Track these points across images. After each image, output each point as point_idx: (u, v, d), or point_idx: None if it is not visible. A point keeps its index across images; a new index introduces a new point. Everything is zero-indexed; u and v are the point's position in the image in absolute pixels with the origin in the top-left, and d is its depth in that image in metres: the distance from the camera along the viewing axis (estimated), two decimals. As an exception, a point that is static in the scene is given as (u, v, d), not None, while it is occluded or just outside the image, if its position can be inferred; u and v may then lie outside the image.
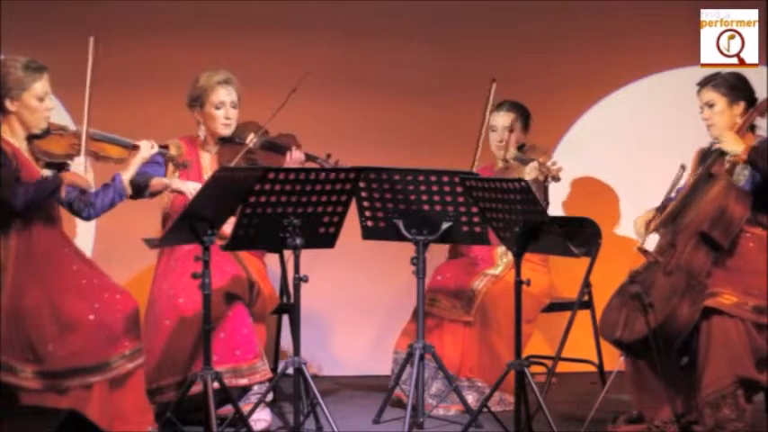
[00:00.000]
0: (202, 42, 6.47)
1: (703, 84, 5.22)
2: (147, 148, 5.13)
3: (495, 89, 5.76)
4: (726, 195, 5.04)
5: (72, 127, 5.03)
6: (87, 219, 5.10)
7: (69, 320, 4.75)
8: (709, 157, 5.23)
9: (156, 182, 5.41)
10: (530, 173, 5.66)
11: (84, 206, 5.02)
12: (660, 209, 5.31)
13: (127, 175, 5.08)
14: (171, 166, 5.49)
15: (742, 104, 5.17)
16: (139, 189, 5.37)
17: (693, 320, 4.95)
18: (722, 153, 5.14)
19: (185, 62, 6.22)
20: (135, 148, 5.11)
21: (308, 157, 5.64)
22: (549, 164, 5.62)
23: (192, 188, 5.34)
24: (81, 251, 5.04)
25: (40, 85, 4.84)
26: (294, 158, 5.59)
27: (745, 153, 5.01)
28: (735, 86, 5.17)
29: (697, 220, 5.06)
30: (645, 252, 5.14)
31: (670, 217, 5.16)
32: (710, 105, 5.18)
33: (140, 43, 6.49)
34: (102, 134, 5.04)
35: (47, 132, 4.92)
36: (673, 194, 5.33)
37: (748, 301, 4.96)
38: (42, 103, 4.86)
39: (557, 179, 5.63)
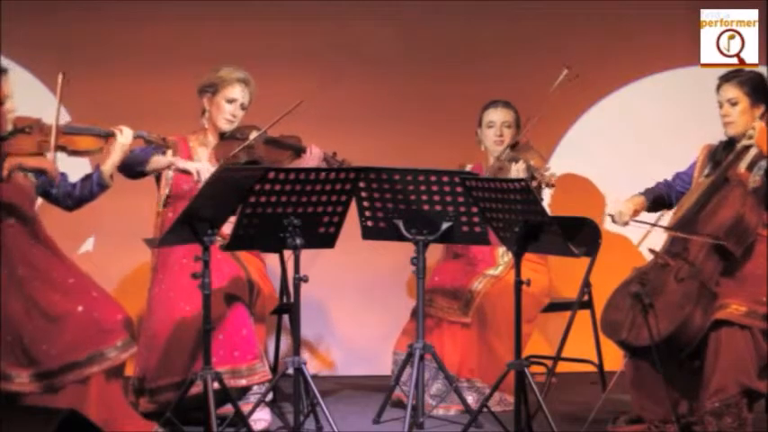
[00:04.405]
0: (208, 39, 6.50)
1: (726, 79, 5.14)
2: (126, 135, 5.05)
3: (565, 74, 5.60)
4: (743, 204, 4.98)
5: (44, 121, 4.90)
6: (68, 209, 5.08)
7: (59, 314, 4.76)
8: (720, 155, 5.18)
9: (158, 159, 5.38)
10: (516, 174, 5.65)
11: (63, 197, 5.01)
12: (647, 194, 5.30)
13: (107, 166, 5.04)
14: (170, 152, 5.48)
15: (762, 107, 5.11)
16: (138, 164, 5.33)
17: (704, 329, 4.92)
18: (737, 156, 5.06)
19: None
20: (111, 135, 5.03)
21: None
22: (542, 170, 5.58)
23: (196, 167, 5.34)
24: (65, 256, 5.01)
25: (2, 87, 4.82)
26: (314, 155, 5.59)
27: None
28: (758, 87, 5.10)
29: (712, 228, 4.99)
30: (655, 253, 5.10)
31: (684, 221, 5.09)
32: (733, 103, 5.11)
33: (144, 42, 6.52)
34: (72, 126, 4.98)
35: (12, 133, 4.86)
36: (670, 178, 5.33)
37: (758, 309, 4.93)
38: (4, 105, 4.83)
39: (550, 185, 5.59)
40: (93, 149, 5.01)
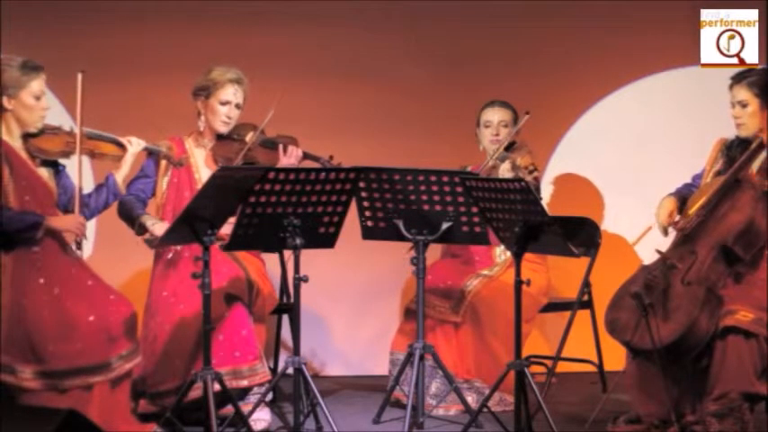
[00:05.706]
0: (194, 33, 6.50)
1: (737, 80, 5.12)
2: (136, 146, 5.16)
3: (525, 120, 5.63)
4: (754, 208, 4.95)
5: (66, 127, 5.04)
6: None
7: (70, 321, 4.76)
8: (734, 151, 5.14)
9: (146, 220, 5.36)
10: (503, 173, 5.64)
11: (80, 208, 5.03)
12: (676, 195, 5.21)
13: (120, 174, 5.13)
14: (162, 167, 5.49)
15: None
16: (129, 219, 5.40)
17: (710, 333, 4.90)
18: (750, 156, 5.02)
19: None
20: (123, 146, 5.14)
21: (309, 157, 5.63)
22: (528, 168, 5.54)
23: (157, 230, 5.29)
24: (78, 255, 5.04)
25: (37, 84, 4.89)
26: (289, 154, 5.58)
27: None
28: None
29: (721, 231, 4.96)
30: (663, 254, 5.07)
31: (694, 223, 5.03)
32: (744, 105, 5.08)
33: (142, 33, 6.52)
34: (97, 133, 5.08)
35: (42, 131, 4.95)
36: (690, 180, 5.28)
37: (763, 316, 4.91)
38: (38, 102, 4.90)
39: (533, 183, 5.55)
40: (115, 155, 5.13)
